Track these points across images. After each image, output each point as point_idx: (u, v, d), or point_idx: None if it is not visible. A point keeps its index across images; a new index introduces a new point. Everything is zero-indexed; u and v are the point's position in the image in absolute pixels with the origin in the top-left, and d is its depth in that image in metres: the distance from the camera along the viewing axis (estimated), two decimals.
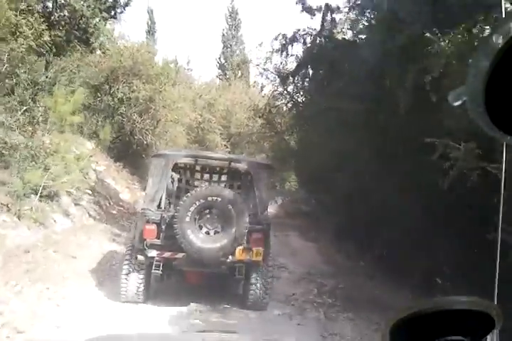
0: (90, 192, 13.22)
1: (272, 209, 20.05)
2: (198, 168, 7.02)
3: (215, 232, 5.69)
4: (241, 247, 5.69)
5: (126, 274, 5.91)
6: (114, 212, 13.59)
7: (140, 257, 5.79)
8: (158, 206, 6.07)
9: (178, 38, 60.56)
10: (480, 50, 0.72)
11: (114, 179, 16.25)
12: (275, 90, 15.51)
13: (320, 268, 8.64)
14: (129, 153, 17.44)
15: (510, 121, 0.72)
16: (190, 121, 20.97)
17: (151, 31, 34.62)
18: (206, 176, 7.26)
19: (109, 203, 13.96)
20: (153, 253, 5.68)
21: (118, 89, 16.45)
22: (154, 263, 5.72)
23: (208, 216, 5.71)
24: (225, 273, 6.05)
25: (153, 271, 5.76)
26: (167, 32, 64.46)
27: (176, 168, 6.53)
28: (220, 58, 40.44)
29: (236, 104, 32.06)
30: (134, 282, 5.88)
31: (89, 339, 1.85)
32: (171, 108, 16.82)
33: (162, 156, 6.36)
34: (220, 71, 39.42)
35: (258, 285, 5.95)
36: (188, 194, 5.80)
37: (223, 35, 40.23)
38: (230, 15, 40.16)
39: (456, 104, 0.80)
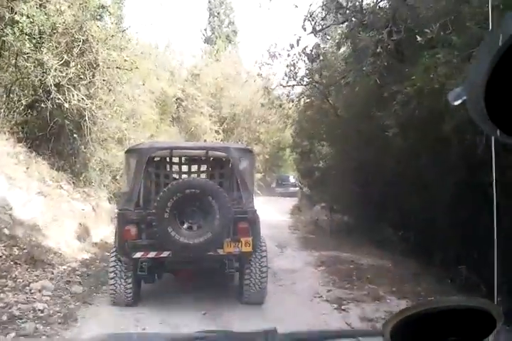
0: None
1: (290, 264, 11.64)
2: (175, 159, 6.30)
3: (198, 226, 5.12)
4: (228, 239, 5.11)
5: (113, 278, 5.22)
6: None
7: (125, 259, 5.20)
8: (137, 204, 5.32)
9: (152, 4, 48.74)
10: (480, 50, 0.68)
11: (12, 179, 8.15)
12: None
13: None
14: (49, 131, 9.30)
15: (510, 121, 0.69)
16: (156, 77, 12.73)
17: None
18: (185, 168, 6.48)
19: None
20: (137, 254, 5.05)
21: (19, 6, 8.31)
22: (139, 265, 5.10)
23: (189, 210, 5.11)
24: (217, 268, 5.41)
25: (138, 272, 5.13)
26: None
27: (151, 162, 5.70)
28: (205, 30, 32.23)
29: (228, 77, 23.95)
30: (121, 286, 5.21)
31: (90, 338, 1.79)
32: (115, 45, 8.66)
33: (134, 151, 5.65)
34: (206, 45, 31.08)
35: (252, 278, 5.39)
36: (165, 189, 5.08)
37: (209, 1, 31.98)
38: None
39: (456, 103, 0.77)
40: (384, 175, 9.34)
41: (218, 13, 31.68)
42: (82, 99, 8.32)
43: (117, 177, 11.11)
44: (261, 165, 30.65)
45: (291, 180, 26.64)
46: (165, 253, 5.06)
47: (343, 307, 5.47)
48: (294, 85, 9.27)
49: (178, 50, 22.13)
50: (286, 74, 9.06)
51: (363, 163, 9.91)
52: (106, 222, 10.01)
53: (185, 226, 5.09)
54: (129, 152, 5.78)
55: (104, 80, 8.66)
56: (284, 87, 9.37)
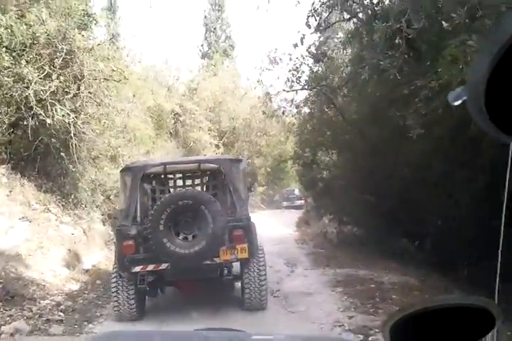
0: None
1: None
2: (169, 175, 6.38)
3: (194, 236, 5.21)
4: (224, 247, 5.18)
5: (116, 293, 5.30)
6: None
7: (125, 274, 5.29)
8: (134, 220, 5.44)
9: (146, 19, 47.75)
10: (480, 50, 0.69)
11: None
12: None
13: None
14: (35, 150, 8.59)
15: (511, 121, 0.69)
16: (151, 92, 12.07)
17: (112, 8, 25.83)
18: (179, 182, 6.62)
19: None
20: (136, 268, 5.17)
21: None
22: (139, 278, 5.22)
23: (183, 221, 5.23)
24: (217, 277, 5.42)
25: (138, 285, 5.22)
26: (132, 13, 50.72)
27: (146, 178, 5.87)
28: (202, 45, 31.83)
29: (226, 91, 23.36)
30: (124, 300, 5.28)
31: (95, 335, 1.79)
32: (102, 55, 7.94)
33: (129, 170, 5.80)
34: (203, 61, 30.63)
35: (252, 285, 5.41)
36: (158, 202, 5.31)
37: (205, 17, 31.67)
38: None
39: (456, 103, 0.78)
40: (396, 183, 8.60)
41: (215, 29, 31.33)
42: (67, 114, 7.61)
43: (111, 197, 10.36)
44: (263, 179, 29.92)
45: (297, 193, 27.07)
46: (163, 266, 5.15)
47: (370, 338, 4.63)
48: (298, 90, 8.55)
49: (174, 65, 21.49)
50: (288, 80, 8.36)
51: (372, 171, 9.18)
52: (99, 246, 9.22)
53: (180, 237, 5.19)
54: (124, 170, 5.93)
55: (90, 93, 7.96)
56: (287, 92, 8.65)
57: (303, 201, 22.58)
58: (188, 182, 6.61)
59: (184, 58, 49.76)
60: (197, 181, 6.61)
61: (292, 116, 11.01)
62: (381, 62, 5.58)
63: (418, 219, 8.50)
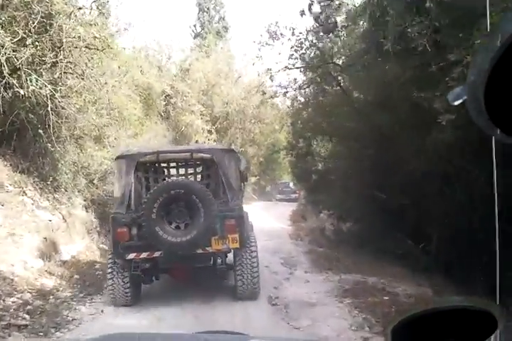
0: None
1: None
2: (162, 164, 6.65)
3: (186, 225, 5.30)
4: (216, 237, 5.28)
5: (111, 279, 5.47)
6: None
7: (119, 261, 5.44)
8: (129, 208, 5.52)
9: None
10: (480, 50, 0.66)
11: None
12: None
13: None
14: (9, 126, 7.66)
15: (510, 121, 0.68)
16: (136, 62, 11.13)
17: None
18: (173, 171, 6.97)
19: None
20: (130, 255, 5.30)
21: None
22: (133, 265, 5.36)
23: (176, 210, 5.32)
24: (210, 266, 5.67)
25: (132, 272, 5.35)
26: None
27: (140, 167, 5.94)
28: (195, 26, 30.60)
29: (219, 74, 22.35)
30: (119, 286, 5.46)
31: (96, 337, 1.74)
32: (83, 19, 7.00)
33: (123, 158, 5.85)
34: (196, 40, 29.45)
35: (244, 274, 5.52)
36: (151, 191, 5.36)
37: None
38: None
39: (456, 103, 0.78)
40: (406, 177, 7.82)
41: (208, 9, 30.09)
42: (45, 85, 6.69)
43: (95, 181, 9.49)
44: (255, 169, 29.01)
45: (291, 186, 27.21)
46: (157, 253, 5.26)
47: None
48: (301, 67, 7.64)
49: (165, 44, 20.38)
50: (291, 57, 7.45)
51: (378, 162, 8.36)
52: (81, 235, 8.38)
53: (173, 225, 5.27)
54: (118, 158, 5.94)
55: (70, 63, 7.03)
56: (290, 69, 7.73)
57: (297, 195, 22.56)
58: (182, 171, 6.62)
59: (176, 38, 47.93)
60: (190, 170, 6.62)
61: (293, 99, 10.11)
62: (408, 30, 4.75)
63: (428, 219, 7.75)
